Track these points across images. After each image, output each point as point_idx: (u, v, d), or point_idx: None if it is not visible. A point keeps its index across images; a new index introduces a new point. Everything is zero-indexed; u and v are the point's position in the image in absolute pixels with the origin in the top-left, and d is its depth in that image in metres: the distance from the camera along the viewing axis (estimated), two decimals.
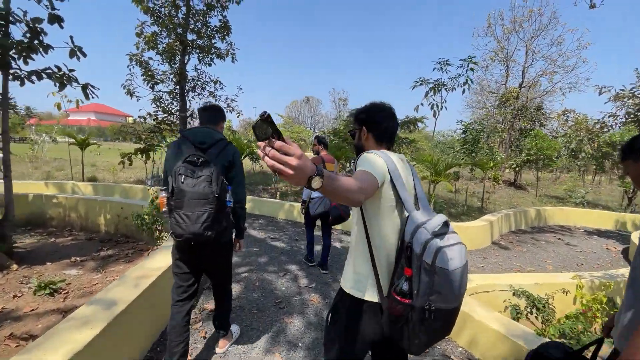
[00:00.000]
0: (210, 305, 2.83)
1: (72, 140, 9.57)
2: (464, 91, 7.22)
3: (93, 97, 3.63)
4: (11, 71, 3.39)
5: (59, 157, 15.04)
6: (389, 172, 1.20)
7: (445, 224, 1.13)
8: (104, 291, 1.93)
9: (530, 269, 4.86)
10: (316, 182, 0.79)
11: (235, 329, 2.43)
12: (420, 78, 7.30)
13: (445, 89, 7.28)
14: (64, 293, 2.88)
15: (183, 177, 1.64)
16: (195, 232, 1.63)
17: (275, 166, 0.69)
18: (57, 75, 3.40)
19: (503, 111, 16.96)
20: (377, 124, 1.35)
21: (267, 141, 0.63)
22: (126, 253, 4.00)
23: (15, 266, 3.12)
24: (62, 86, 3.36)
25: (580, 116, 15.57)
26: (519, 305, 2.48)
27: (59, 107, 8.61)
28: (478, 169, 9.34)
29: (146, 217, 3.72)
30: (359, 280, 1.25)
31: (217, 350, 2.24)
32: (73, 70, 3.72)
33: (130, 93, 8.03)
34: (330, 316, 1.34)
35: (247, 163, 14.76)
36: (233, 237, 2.03)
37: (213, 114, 2.01)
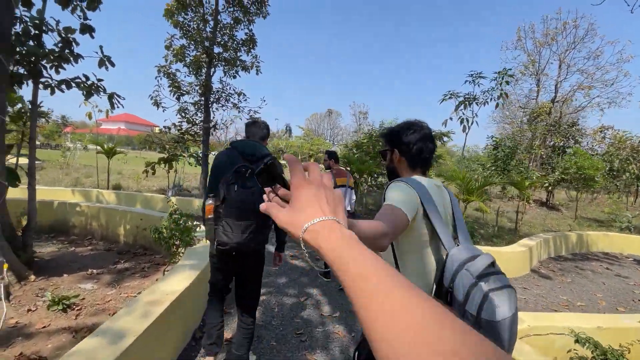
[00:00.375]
0: (227, 333, 2.60)
1: (100, 148, 9.84)
2: (497, 105, 6.86)
3: (118, 107, 3.59)
4: (42, 80, 3.42)
5: (89, 165, 15.59)
6: (422, 204, 1.06)
7: (492, 264, 0.97)
8: (111, 320, 1.74)
9: (580, 304, 4.34)
10: None
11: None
12: (450, 91, 7.00)
13: (477, 102, 6.94)
14: (77, 309, 2.74)
15: (235, 186, 1.67)
16: (241, 242, 1.68)
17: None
18: (85, 85, 3.38)
19: (534, 127, 16.17)
20: (410, 147, 1.20)
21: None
22: (142, 267, 3.87)
23: (33, 277, 3.04)
24: (88, 95, 3.34)
25: (620, 133, 14.58)
26: (586, 356, 2.09)
27: (89, 116, 8.93)
28: (510, 188, 8.77)
29: (164, 230, 3.58)
30: None
31: None
32: (101, 80, 3.72)
33: (157, 104, 8.19)
34: (357, 355, 1.19)
35: None
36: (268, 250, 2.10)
37: (260, 130, 2.07)
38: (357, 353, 1.18)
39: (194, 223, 3.81)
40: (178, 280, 2.39)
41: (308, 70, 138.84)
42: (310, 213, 0.43)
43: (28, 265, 3.11)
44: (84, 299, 2.95)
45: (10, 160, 3.93)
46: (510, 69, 6.44)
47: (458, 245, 1.08)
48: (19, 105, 3.90)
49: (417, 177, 1.17)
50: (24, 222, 4.86)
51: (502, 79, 6.39)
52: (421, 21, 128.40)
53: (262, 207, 0.48)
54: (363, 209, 8.72)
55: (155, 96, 8.15)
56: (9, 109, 4.21)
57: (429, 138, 1.22)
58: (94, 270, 3.60)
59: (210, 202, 1.77)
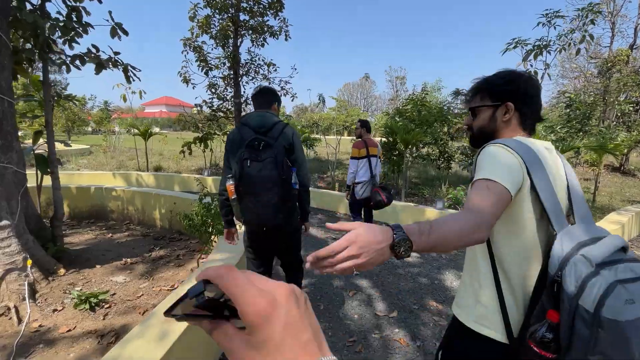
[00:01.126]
0: None
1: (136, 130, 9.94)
2: (578, 52, 5.60)
3: (134, 80, 3.20)
4: (53, 56, 3.09)
5: (134, 147, 16.17)
6: (529, 173, 0.85)
7: (622, 250, 0.75)
8: (120, 346, 1.37)
9: None
10: (404, 248, 0.64)
11: None
12: (515, 39, 5.81)
13: (549, 51, 5.71)
14: (107, 307, 2.52)
15: (248, 161, 1.63)
16: (267, 215, 1.65)
17: (343, 267, 0.61)
18: (96, 56, 3.00)
19: (606, 80, 13.75)
20: (531, 100, 0.98)
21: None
22: (177, 254, 3.64)
23: (62, 270, 2.87)
24: (99, 68, 2.96)
25: None
26: None
27: (124, 98, 8.88)
28: (584, 152, 7.47)
29: (195, 217, 3.25)
30: (483, 315, 0.94)
31: None
32: (118, 54, 3.34)
33: (186, 80, 7.89)
34: (441, 354, 1.05)
35: None
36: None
37: (264, 97, 1.97)
38: (441, 352, 1.05)
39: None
40: None
41: (337, 36, 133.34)
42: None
43: (57, 258, 2.94)
44: (114, 294, 2.72)
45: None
46: (598, 3, 5.12)
47: (572, 223, 0.88)
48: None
49: (522, 139, 0.93)
50: (65, 210, 4.86)
51: (587, 17, 5.10)
52: None
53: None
54: (406, 183, 7.98)
55: (184, 72, 7.83)
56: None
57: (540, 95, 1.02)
58: (128, 260, 3.41)
59: (230, 182, 1.73)
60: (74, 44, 3.25)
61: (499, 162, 0.85)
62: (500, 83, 0.99)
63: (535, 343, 0.77)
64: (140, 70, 3.24)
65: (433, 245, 0.69)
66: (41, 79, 2.99)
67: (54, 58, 3.08)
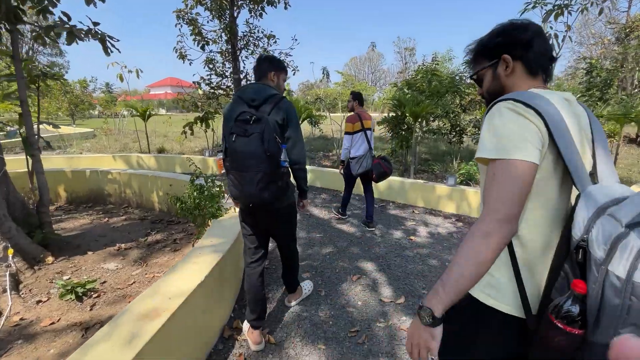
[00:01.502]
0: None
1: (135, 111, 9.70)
2: (601, 11, 5.04)
3: (112, 51, 2.92)
4: (25, 28, 2.82)
5: (139, 129, 15.98)
6: (549, 130, 0.74)
7: None
8: (82, 350, 1.19)
9: None
10: (428, 316, 0.74)
11: (306, 285, 2.45)
12: None
13: (570, 11, 5.15)
14: (95, 296, 2.38)
15: (234, 136, 1.58)
16: (252, 193, 1.60)
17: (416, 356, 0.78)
18: (67, 25, 2.72)
19: (626, 46, 12.80)
20: (528, 45, 0.86)
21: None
22: (174, 239, 3.49)
23: (50, 258, 2.74)
24: (70, 38, 2.67)
25: None
26: None
27: (121, 78, 8.55)
28: (606, 124, 6.98)
29: (188, 199, 3.06)
30: (491, 284, 0.85)
31: (287, 303, 2.30)
32: (98, 24, 3.05)
33: (182, 56, 7.52)
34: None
35: (306, 128, 13.97)
36: (296, 200, 1.97)
37: (260, 67, 1.84)
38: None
39: (223, 188, 3.26)
40: (191, 272, 1.81)
41: (342, 9, 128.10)
42: None
43: (45, 245, 2.80)
44: (104, 282, 2.59)
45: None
46: None
47: (596, 182, 0.79)
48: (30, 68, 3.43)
49: (539, 91, 0.81)
50: (63, 195, 4.74)
51: None
52: None
53: None
54: (415, 159, 7.65)
55: (180, 48, 7.46)
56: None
57: (544, 36, 0.88)
58: (122, 245, 3.27)
59: (220, 156, 1.71)
60: (48, 15, 2.97)
61: (511, 128, 0.74)
62: (488, 40, 0.93)
63: (559, 318, 0.69)
64: (118, 41, 2.95)
65: (457, 287, 0.72)
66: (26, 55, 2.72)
67: (23, 30, 2.81)
